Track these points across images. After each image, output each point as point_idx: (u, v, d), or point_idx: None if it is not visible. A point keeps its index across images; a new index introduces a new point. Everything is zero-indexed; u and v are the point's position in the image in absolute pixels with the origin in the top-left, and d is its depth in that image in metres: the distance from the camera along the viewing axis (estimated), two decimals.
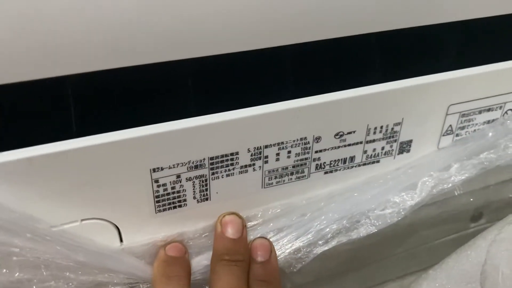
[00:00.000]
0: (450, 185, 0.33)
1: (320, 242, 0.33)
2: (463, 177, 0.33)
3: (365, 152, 0.32)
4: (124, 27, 0.23)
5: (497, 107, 0.34)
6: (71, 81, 0.24)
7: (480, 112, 0.34)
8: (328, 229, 0.32)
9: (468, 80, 0.32)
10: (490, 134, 0.35)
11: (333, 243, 0.33)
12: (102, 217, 0.27)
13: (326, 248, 0.32)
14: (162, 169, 0.27)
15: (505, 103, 0.34)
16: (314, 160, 0.31)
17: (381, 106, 0.30)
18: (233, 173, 0.29)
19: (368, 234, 0.33)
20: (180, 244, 0.30)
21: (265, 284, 0.30)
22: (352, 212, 0.33)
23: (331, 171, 0.32)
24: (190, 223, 0.30)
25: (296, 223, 0.33)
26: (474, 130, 0.34)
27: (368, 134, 0.31)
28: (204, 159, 0.28)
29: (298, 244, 0.32)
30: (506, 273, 0.23)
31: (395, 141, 0.32)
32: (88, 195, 0.26)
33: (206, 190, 0.29)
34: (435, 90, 0.31)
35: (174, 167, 0.27)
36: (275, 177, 0.31)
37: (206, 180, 0.28)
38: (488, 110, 0.34)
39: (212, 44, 0.25)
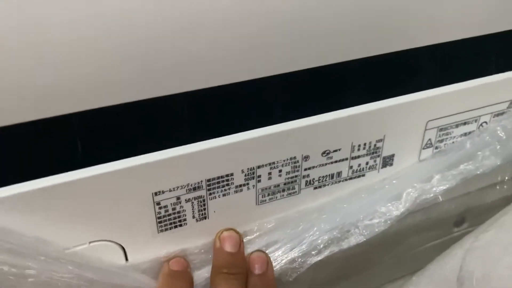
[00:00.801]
0: (432, 195, 0.36)
1: (313, 252, 0.35)
2: (444, 187, 0.36)
3: (351, 167, 0.34)
4: (121, 66, 0.25)
5: (472, 121, 0.37)
6: (76, 117, 0.26)
7: (457, 126, 0.36)
8: (320, 240, 0.35)
9: (444, 98, 0.34)
10: (468, 145, 0.37)
11: (326, 253, 0.35)
12: (108, 238, 0.30)
13: (319, 258, 0.35)
14: (163, 192, 0.29)
15: (479, 116, 0.37)
16: (304, 177, 0.33)
17: (364, 125, 0.33)
18: (229, 192, 0.31)
19: (357, 243, 0.35)
20: (183, 259, 0.32)
21: None
22: (342, 222, 0.35)
23: (320, 186, 0.34)
24: (191, 240, 0.32)
25: (290, 235, 0.35)
26: (452, 142, 0.37)
27: (353, 151, 0.34)
28: (201, 181, 0.30)
29: (292, 254, 0.34)
30: (479, 278, 0.25)
31: (378, 156, 0.35)
32: (95, 219, 0.29)
33: (204, 209, 0.31)
34: (413, 108, 0.34)
35: (174, 190, 0.29)
36: (268, 194, 0.33)
37: (204, 201, 0.31)
38: (464, 123, 0.36)
39: (205, 79, 0.27)
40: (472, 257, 0.27)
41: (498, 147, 0.37)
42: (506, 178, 0.41)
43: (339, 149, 0.33)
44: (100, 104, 0.26)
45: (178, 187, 0.30)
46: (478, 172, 0.37)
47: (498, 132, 0.37)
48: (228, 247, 0.32)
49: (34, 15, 0.22)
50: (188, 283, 0.32)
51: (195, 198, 0.30)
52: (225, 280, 0.31)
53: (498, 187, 0.41)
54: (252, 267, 0.32)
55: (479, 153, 0.37)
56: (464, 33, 0.33)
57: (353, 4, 0.29)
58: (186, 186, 0.30)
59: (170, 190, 0.29)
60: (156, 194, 0.29)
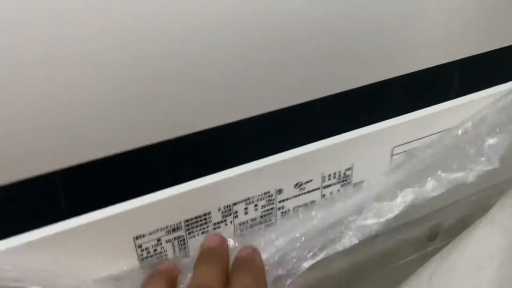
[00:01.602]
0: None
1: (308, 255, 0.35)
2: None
3: (323, 196, 0.36)
4: (94, 122, 0.27)
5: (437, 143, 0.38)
6: (58, 174, 0.27)
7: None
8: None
9: (407, 125, 0.36)
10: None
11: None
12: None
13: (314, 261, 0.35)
14: (143, 236, 0.31)
15: (444, 138, 0.39)
16: (279, 208, 0.35)
17: (332, 157, 0.34)
18: (208, 230, 0.33)
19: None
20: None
21: (246, 271, 0.31)
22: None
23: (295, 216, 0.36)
24: None
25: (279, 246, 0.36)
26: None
27: (323, 181, 0.35)
28: (180, 222, 0.32)
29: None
30: None
31: (349, 183, 0.37)
32: (79, 264, 0.30)
33: (185, 248, 0.33)
34: (378, 137, 0.35)
35: (154, 233, 0.31)
36: (246, 228, 0.34)
37: (183, 240, 0.32)
38: (429, 147, 0.38)
39: (177, 128, 0.29)
40: (437, 280, 0.29)
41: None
42: (473, 192, 0.43)
43: (311, 180, 0.35)
44: (79, 161, 0.28)
45: (158, 230, 0.31)
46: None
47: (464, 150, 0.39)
48: (212, 243, 0.32)
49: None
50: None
51: (175, 239, 0.32)
52: (207, 261, 0.31)
53: (465, 201, 0.43)
54: (238, 254, 0.32)
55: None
56: (423, 63, 0.35)
57: (314, 45, 0.30)
58: (166, 228, 0.31)
59: (150, 233, 0.31)
60: (137, 238, 0.31)
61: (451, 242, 0.34)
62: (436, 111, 0.37)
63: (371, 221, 0.36)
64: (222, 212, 0.33)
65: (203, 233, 0.33)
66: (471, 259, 0.29)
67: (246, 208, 0.34)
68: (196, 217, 0.32)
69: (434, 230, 0.44)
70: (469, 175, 0.39)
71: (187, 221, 0.32)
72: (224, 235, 0.34)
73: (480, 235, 0.31)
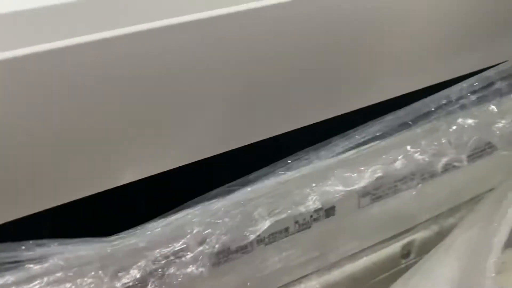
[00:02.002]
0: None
1: None
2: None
3: (296, 222, 0.38)
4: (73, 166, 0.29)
5: None
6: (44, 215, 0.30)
7: None
8: None
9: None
10: None
11: None
12: None
13: None
14: (125, 269, 0.33)
15: None
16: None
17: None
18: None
19: None
20: None
21: None
22: None
23: (271, 242, 0.38)
24: None
25: None
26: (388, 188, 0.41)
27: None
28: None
29: None
30: None
31: (321, 209, 0.39)
32: None
33: None
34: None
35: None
36: (223, 257, 0.36)
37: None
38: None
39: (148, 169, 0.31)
40: None
41: None
42: (445, 209, 0.45)
43: (284, 209, 0.37)
44: (64, 201, 0.30)
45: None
46: None
47: None
48: None
49: None
50: None
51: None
52: None
53: (437, 219, 0.45)
54: None
55: None
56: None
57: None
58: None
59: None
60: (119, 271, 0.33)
61: (414, 266, 0.36)
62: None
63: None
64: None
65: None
66: (429, 285, 0.30)
67: None
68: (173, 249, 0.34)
69: (407, 248, 0.46)
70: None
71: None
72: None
73: (437, 261, 0.33)
